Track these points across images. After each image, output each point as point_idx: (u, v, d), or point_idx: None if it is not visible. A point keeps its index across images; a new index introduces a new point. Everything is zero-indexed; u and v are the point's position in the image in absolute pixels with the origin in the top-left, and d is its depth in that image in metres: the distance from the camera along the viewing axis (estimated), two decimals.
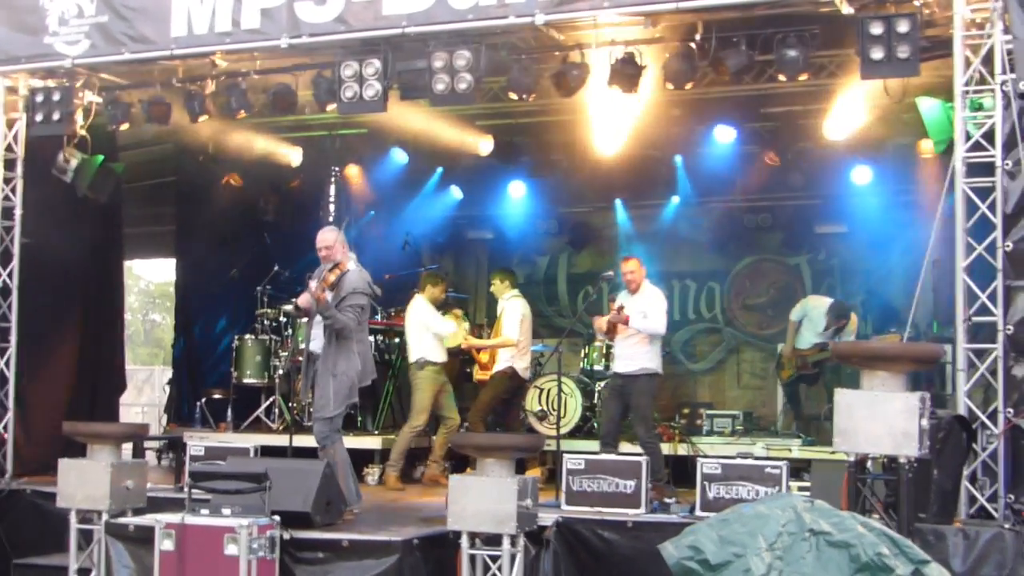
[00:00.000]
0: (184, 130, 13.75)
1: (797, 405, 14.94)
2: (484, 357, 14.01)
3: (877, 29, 9.75)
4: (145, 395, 26.91)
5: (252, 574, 8.64)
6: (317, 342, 10.48)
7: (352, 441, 13.14)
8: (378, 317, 14.35)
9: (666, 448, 13.18)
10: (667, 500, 10.62)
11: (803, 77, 10.98)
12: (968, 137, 9.53)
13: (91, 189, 13.26)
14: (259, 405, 14.96)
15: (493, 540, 8.80)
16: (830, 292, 16.45)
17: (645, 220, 17.25)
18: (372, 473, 13.46)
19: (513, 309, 13.45)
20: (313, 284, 10.19)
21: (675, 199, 16.88)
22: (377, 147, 16.31)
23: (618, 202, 17.21)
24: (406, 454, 13.16)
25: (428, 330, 13.12)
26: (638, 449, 12.52)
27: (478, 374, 14.00)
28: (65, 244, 13.36)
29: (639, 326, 11.79)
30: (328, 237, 10.61)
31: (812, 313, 14.64)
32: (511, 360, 13.41)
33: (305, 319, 11.05)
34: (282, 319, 15.12)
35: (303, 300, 10.48)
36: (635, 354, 11.81)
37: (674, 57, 11.21)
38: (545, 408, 13.82)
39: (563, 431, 12.79)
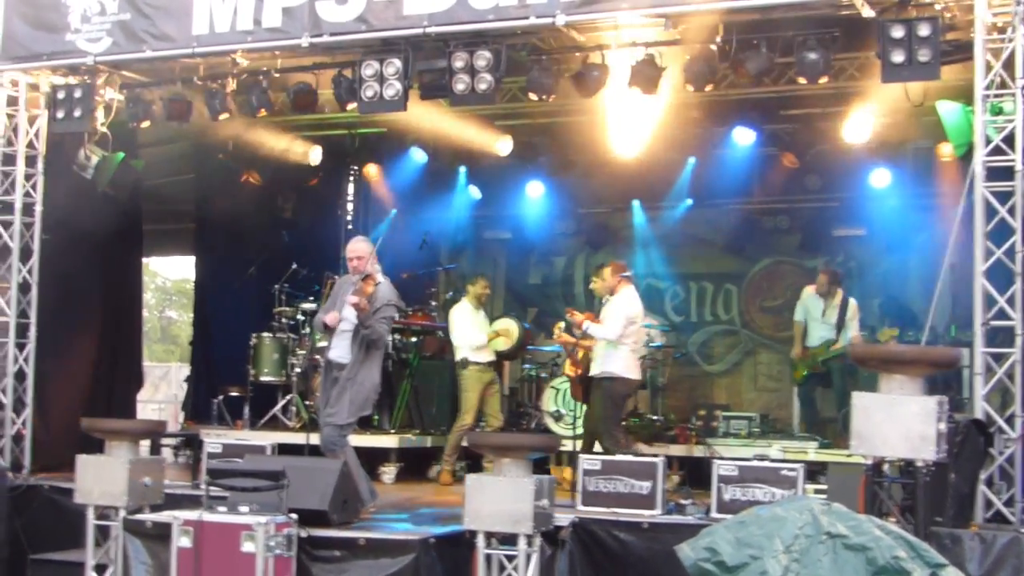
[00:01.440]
0: (204, 128, 13.80)
1: (811, 409, 14.88)
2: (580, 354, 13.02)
3: (898, 32, 9.75)
4: (161, 392, 27.05)
5: (269, 572, 8.66)
6: (337, 351, 10.47)
7: (369, 440, 13.26)
8: (395, 316, 14.36)
9: (682, 449, 13.21)
10: (683, 501, 10.61)
11: (823, 80, 10.97)
12: (988, 141, 9.52)
13: (111, 186, 13.32)
14: (276, 403, 14.97)
15: (509, 540, 8.81)
16: (846, 295, 16.43)
17: (663, 221, 17.23)
18: (388, 472, 13.49)
19: (610, 305, 12.53)
20: (354, 298, 10.13)
21: (692, 200, 16.86)
22: (396, 146, 16.35)
23: (636, 203, 17.19)
24: (458, 450, 13.40)
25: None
26: (654, 450, 12.58)
27: (567, 369, 13.26)
28: (85, 241, 13.43)
29: (589, 330, 12.20)
30: (362, 248, 10.60)
31: (808, 301, 14.64)
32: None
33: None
34: (300, 317, 15.15)
35: (331, 319, 10.44)
36: (596, 357, 12.07)
37: (694, 59, 11.23)
38: (561, 408, 13.81)
39: (579, 431, 12.77)
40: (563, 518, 9.58)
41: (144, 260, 17.04)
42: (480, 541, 8.86)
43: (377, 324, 10.29)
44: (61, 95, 12.32)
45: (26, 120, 12.54)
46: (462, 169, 17.04)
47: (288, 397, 14.85)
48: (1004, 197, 9.40)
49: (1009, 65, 9.50)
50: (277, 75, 12.41)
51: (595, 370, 12.03)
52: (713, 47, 11.09)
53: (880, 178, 15.25)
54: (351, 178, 17.97)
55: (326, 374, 10.60)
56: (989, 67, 9.57)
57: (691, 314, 17.48)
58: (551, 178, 16.66)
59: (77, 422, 10.83)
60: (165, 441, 13.95)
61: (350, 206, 18.12)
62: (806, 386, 14.83)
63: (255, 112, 12.58)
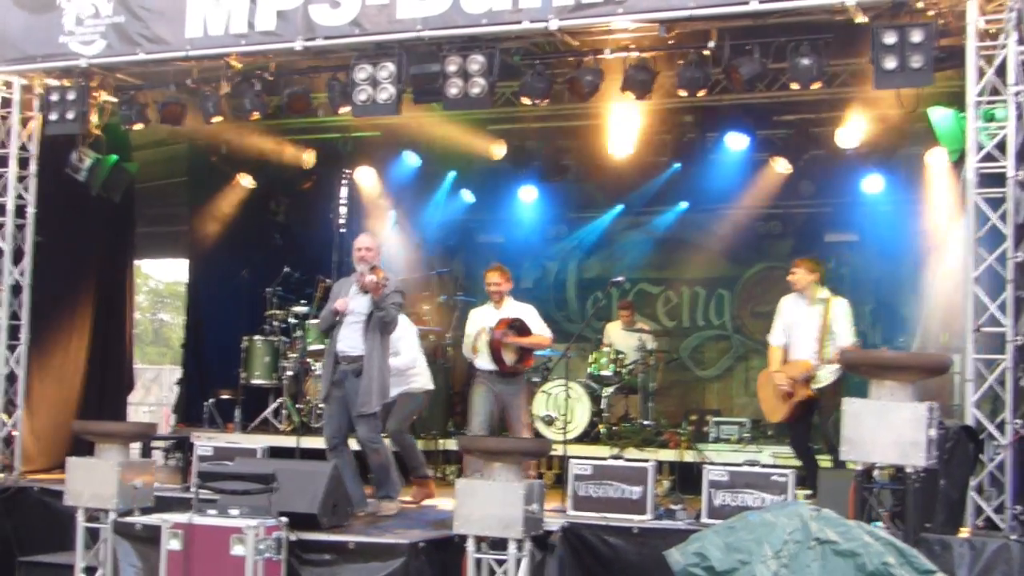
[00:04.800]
0: (198, 131, 13.80)
1: None
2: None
3: (891, 38, 9.76)
4: (153, 394, 27.02)
5: (258, 575, 8.66)
6: (346, 342, 10.55)
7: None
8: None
9: (673, 454, 13.19)
10: (673, 506, 10.60)
11: (816, 85, 10.98)
12: (980, 147, 9.53)
13: (104, 188, 13.32)
14: (267, 406, 14.97)
15: (499, 544, 8.81)
16: None
17: (655, 226, 17.25)
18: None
19: (843, 308, 11.53)
20: (372, 277, 10.31)
21: (685, 205, 16.88)
22: (390, 150, 16.34)
23: (619, 207, 17.18)
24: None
25: None
26: (644, 455, 12.57)
27: (801, 392, 11.31)
28: (77, 243, 13.45)
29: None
30: (371, 240, 10.83)
31: None
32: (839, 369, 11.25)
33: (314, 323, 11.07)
34: (291, 320, 15.15)
35: (340, 304, 10.54)
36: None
37: (687, 64, 11.23)
38: (552, 413, 13.81)
39: (570, 436, 12.77)
40: (553, 523, 9.57)
41: (136, 262, 17.03)
42: (470, 545, 8.85)
43: (389, 308, 10.45)
44: (54, 97, 12.31)
45: (19, 122, 12.52)
46: (452, 173, 17.04)
47: (279, 400, 14.83)
48: (996, 203, 9.41)
49: (1001, 72, 9.51)
50: (271, 78, 12.38)
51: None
52: (706, 52, 11.10)
53: (873, 184, 15.27)
54: (344, 182, 17.95)
55: (332, 368, 10.62)
56: (982, 73, 9.59)
57: (683, 319, 17.49)
58: (544, 182, 16.67)
59: (68, 424, 10.85)
60: (156, 444, 13.91)
61: (343, 209, 18.10)
62: None
63: (248, 115, 12.55)
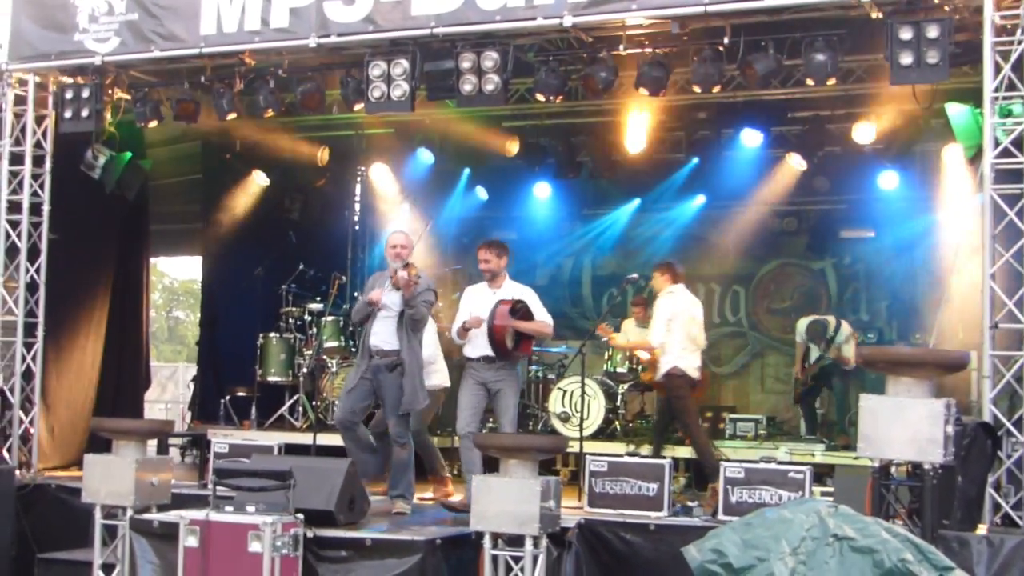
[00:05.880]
0: (212, 128, 13.82)
1: (812, 418, 14.89)
2: (644, 355, 13.39)
3: (907, 34, 9.73)
4: (168, 392, 27.00)
5: (275, 571, 8.66)
6: (380, 336, 10.55)
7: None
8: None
9: (688, 451, 13.17)
10: (689, 503, 10.59)
11: (831, 81, 10.97)
12: (997, 143, 9.48)
13: (119, 186, 13.36)
14: (283, 403, 15.01)
15: (515, 541, 8.80)
16: (855, 297, 16.43)
17: (670, 223, 17.22)
18: None
19: (657, 306, 12.13)
20: (404, 273, 10.28)
21: (700, 201, 16.85)
22: (403, 147, 16.35)
23: (638, 201, 17.17)
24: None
25: None
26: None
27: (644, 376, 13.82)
28: (92, 240, 13.46)
29: None
30: (405, 237, 10.76)
31: (804, 336, 14.64)
32: (675, 360, 11.90)
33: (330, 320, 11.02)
34: (306, 318, 15.17)
35: (375, 295, 10.54)
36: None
37: (702, 60, 11.21)
38: (568, 410, 13.81)
39: (586, 433, 12.77)
40: (569, 519, 9.57)
41: (151, 260, 17.05)
42: (487, 542, 8.84)
43: (420, 306, 10.46)
44: (69, 95, 12.34)
45: (34, 120, 12.54)
46: (465, 171, 17.06)
47: (295, 397, 14.87)
48: (1012, 199, 9.38)
49: (1018, 67, 9.47)
50: (284, 75, 12.41)
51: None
52: (721, 49, 11.08)
53: (888, 180, 15.23)
54: (358, 179, 17.97)
55: (367, 363, 10.60)
56: (998, 69, 9.54)
57: None
58: (558, 179, 16.66)
59: (84, 421, 10.88)
60: (172, 441, 13.91)
61: (357, 207, 18.13)
62: (802, 399, 14.89)
63: (262, 112, 12.60)
